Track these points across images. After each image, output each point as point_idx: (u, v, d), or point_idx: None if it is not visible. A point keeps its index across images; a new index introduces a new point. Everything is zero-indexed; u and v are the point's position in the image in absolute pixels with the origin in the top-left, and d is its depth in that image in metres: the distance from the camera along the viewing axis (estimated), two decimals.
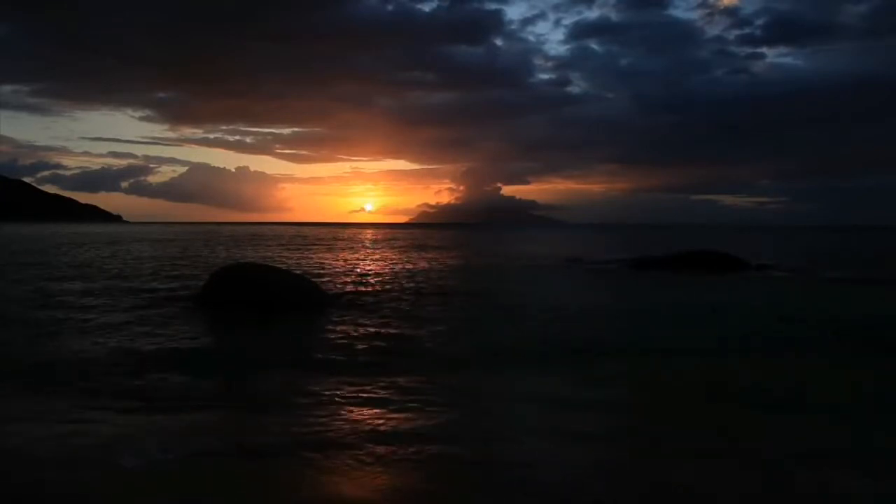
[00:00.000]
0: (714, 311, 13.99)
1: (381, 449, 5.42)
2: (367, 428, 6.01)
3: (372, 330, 11.33)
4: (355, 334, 10.89)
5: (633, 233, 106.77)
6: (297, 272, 19.68)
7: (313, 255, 35.42)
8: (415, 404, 6.73)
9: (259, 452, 5.40)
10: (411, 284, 19.31)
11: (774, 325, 12.42)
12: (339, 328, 11.47)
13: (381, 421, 6.22)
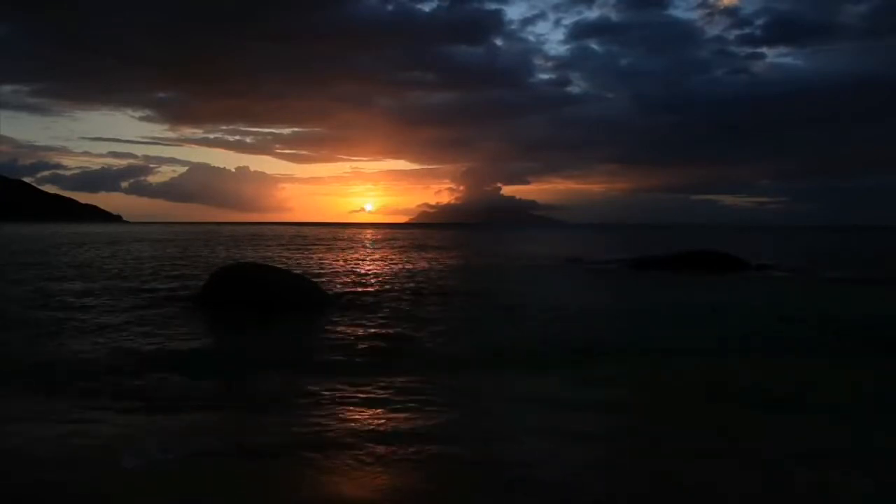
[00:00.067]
0: (714, 311, 13.98)
1: (381, 449, 5.42)
2: (367, 428, 6.01)
3: (372, 330, 11.33)
4: (355, 334, 10.90)
5: (633, 233, 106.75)
6: (297, 272, 19.69)
7: (313, 255, 35.42)
8: (415, 404, 6.73)
9: (259, 452, 5.40)
10: (411, 284, 19.31)
11: (774, 325, 12.42)
12: (339, 328, 11.48)
13: (381, 421, 6.22)
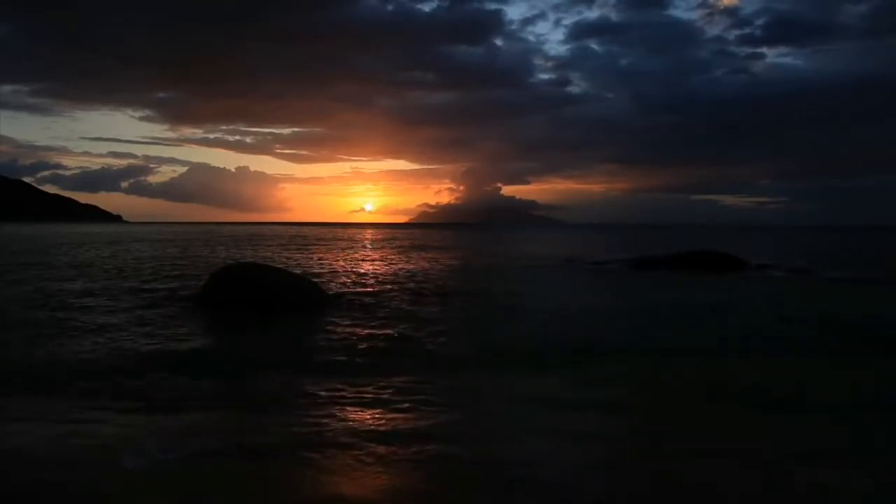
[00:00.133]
0: (714, 311, 13.98)
1: (381, 449, 5.42)
2: (367, 428, 6.01)
3: (372, 330, 11.32)
4: (355, 334, 10.89)
5: (633, 233, 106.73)
6: (297, 272, 19.68)
7: (313, 255, 35.41)
8: (415, 404, 6.73)
9: (259, 452, 5.40)
10: (411, 284, 19.30)
11: (774, 325, 12.42)
12: (339, 328, 11.47)
13: (381, 421, 6.22)
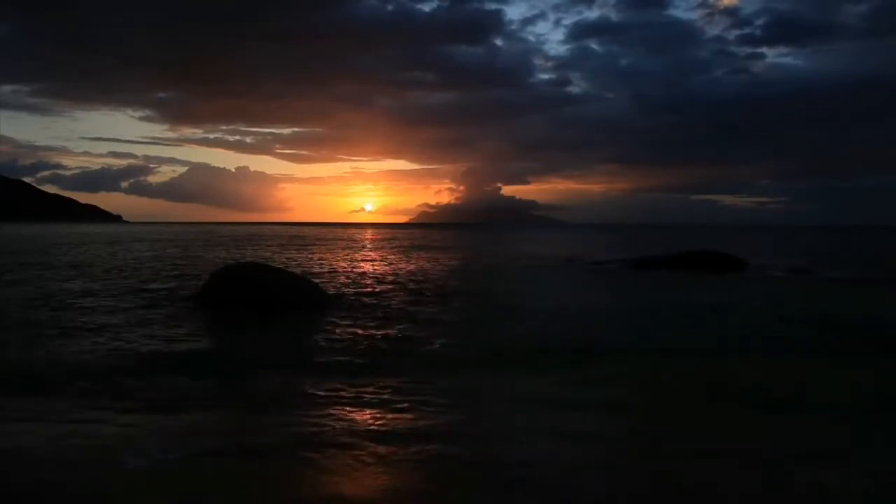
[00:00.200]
0: (714, 311, 13.98)
1: (381, 449, 5.42)
2: (367, 428, 6.01)
3: (372, 330, 11.33)
4: (355, 334, 10.89)
5: (633, 233, 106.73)
6: (297, 272, 19.68)
7: (313, 255, 35.41)
8: (415, 404, 6.73)
9: (259, 452, 5.40)
10: (411, 285, 19.31)
11: (774, 325, 12.42)
12: (338, 328, 11.47)
13: (380, 421, 6.22)
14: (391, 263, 29.46)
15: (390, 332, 11.20)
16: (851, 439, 5.97)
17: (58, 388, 7.40)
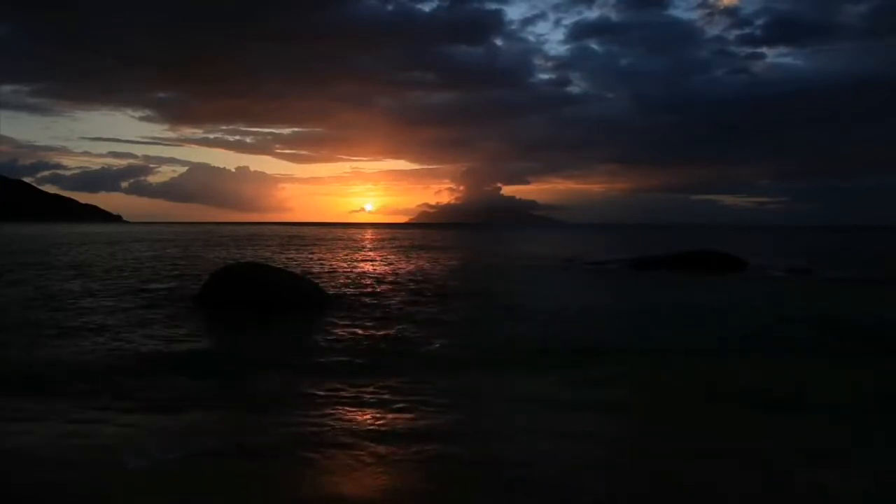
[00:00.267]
0: (714, 311, 13.98)
1: (381, 449, 5.42)
2: (367, 428, 6.01)
3: (372, 330, 11.32)
4: (355, 335, 10.89)
5: (633, 233, 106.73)
6: (297, 272, 19.68)
7: (313, 256, 35.40)
8: (414, 404, 6.73)
9: (259, 452, 5.40)
10: (411, 285, 19.30)
11: (774, 325, 12.42)
12: (338, 328, 11.47)
13: (381, 421, 6.22)
14: (391, 263, 29.46)
15: (390, 332, 11.20)
16: (851, 439, 5.97)
17: (58, 388, 7.40)
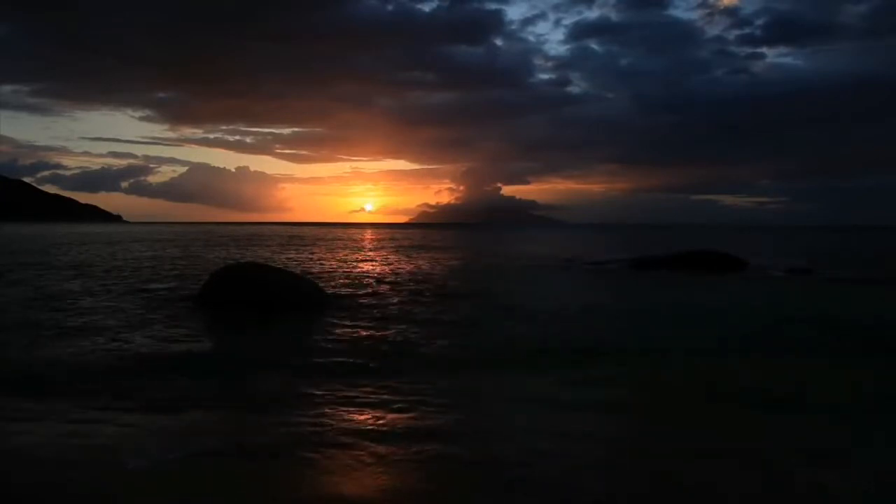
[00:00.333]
0: (714, 311, 13.98)
1: (380, 449, 5.42)
2: (367, 428, 6.00)
3: (372, 330, 11.32)
4: (355, 335, 10.89)
5: (633, 233, 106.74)
6: (297, 272, 19.68)
7: (313, 256, 35.41)
8: (414, 404, 6.73)
9: (259, 452, 5.40)
10: (411, 285, 19.30)
11: (774, 325, 12.42)
12: (338, 329, 11.47)
13: (381, 421, 6.22)
14: (391, 264, 29.46)
15: (390, 332, 11.19)
16: (851, 439, 5.97)
17: (58, 388, 7.40)
